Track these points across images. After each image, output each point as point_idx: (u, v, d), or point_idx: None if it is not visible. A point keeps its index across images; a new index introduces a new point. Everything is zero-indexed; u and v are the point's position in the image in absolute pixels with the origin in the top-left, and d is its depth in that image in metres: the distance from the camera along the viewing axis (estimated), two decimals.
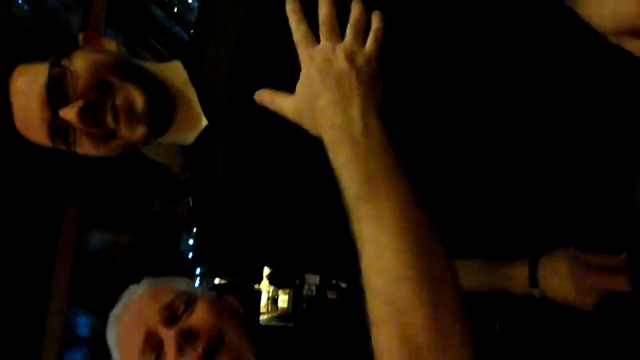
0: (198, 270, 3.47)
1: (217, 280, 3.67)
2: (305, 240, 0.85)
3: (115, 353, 0.84)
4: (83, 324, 2.86)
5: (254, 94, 0.72)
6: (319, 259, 0.89)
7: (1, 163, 2.18)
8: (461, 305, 0.57)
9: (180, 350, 0.75)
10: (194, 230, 3.58)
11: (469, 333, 0.57)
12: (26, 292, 2.41)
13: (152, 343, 0.78)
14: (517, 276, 0.94)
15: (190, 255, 3.52)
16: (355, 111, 0.59)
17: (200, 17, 0.91)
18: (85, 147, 0.78)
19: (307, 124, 0.66)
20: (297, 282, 4.30)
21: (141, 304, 0.84)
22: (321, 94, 0.61)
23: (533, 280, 0.93)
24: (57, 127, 0.76)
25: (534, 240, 0.96)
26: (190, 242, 3.47)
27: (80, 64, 0.77)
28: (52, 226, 2.54)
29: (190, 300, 0.81)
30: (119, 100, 0.76)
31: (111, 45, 0.86)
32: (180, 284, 0.91)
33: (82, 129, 0.75)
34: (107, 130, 0.77)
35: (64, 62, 0.76)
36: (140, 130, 0.79)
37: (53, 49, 0.80)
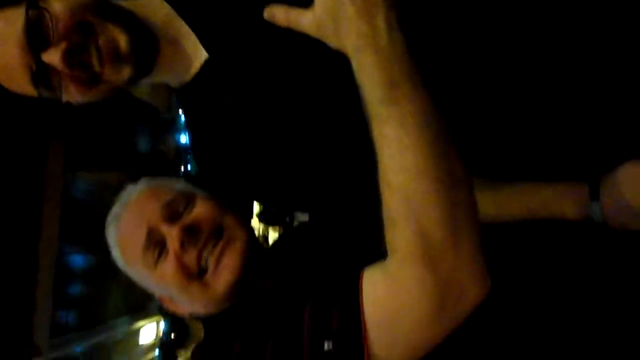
0: None
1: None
2: (297, 175, 0.84)
3: (115, 251, 0.85)
4: (76, 261, 2.92)
5: (261, 14, 0.68)
6: (309, 196, 0.89)
7: None
8: (475, 207, 0.60)
9: (182, 246, 0.76)
10: (182, 169, 3.59)
11: (479, 231, 0.59)
12: (17, 232, 2.44)
13: (154, 239, 0.78)
14: (573, 192, 0.83)
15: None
16: (380, 21, 0.61)
17: None
18: (72, 93, 0.75)
19: (329, 36, 0.65)
20: (287, 219, 4.35)
21: (142, 202, 0.83)
22: (345, 5, 0.61)
23: (595, 192, 0.81)
24: (40, 73, 0.72)
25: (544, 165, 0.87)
26: None
27: (58, 5, 0.72)
28: (38, 167, 2.54)
29: (190, 198, 0.82)
30: (102, 42, 0.72)
31: None
32: (179, 183, 0.90)
33: (68, 72, 0.72)
34: (93, 73, 0.74)
35: (41, 3, 0.72)
36: (126, 71, 0.76)
37: None
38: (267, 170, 0.83)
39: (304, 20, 0.65)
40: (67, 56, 0.70)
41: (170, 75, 0.84)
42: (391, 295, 0.61)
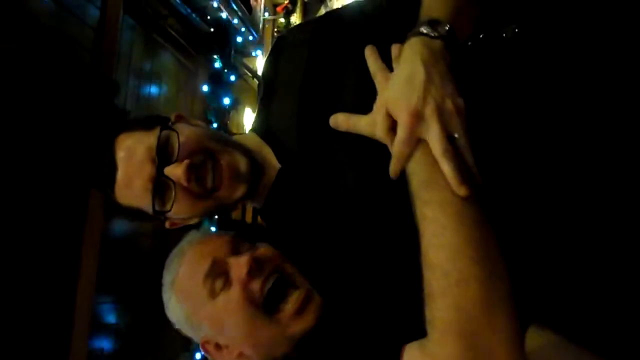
0: None
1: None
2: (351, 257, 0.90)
3: (170, 289, 0.89)
4: (110, 311, 2.92)
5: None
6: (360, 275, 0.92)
7: (28, 156, 2.24)
8: (510, 285, 0.61)
9: (249, 273, 0.79)
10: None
11: (516, 311, 0.60)
12: (55, 282, 2.47)
13: (218, 270, 0.82)
14: None
15: None
16: None
17: (264, 84, 1.03)
18: (182, 204, 0.85)
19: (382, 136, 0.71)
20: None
21: (209, 240, 0.89)
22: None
23: None
24: (159, 184, 0.84)
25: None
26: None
27: (186, 130, 0.87)
28: (78, 215, 2.60)
29: (253, 242, 0.88)
30: (224, 163, 0.86)
31: (199, 122, 0.98)
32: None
33: (186, 185, 0.83)
34: (206, 190, 0.86)
35: (173, 127, 0.86)
36: (240, 190, 0.88)
37: (153, 121, 0.89)
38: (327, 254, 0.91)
39: (361, 122, 0.71)
40: (188, 170, 0.82)
41: (259, 197, 0.96)
42: None
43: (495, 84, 0.83)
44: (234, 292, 0.80)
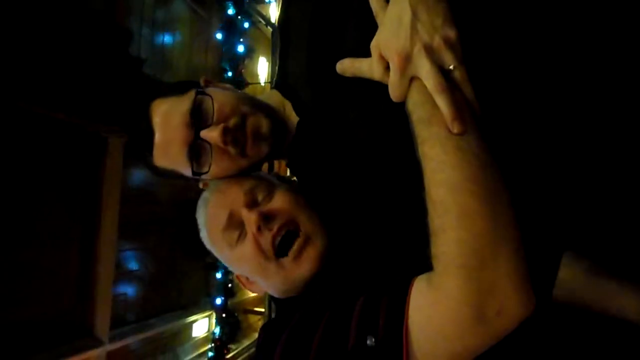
0: None
1: None
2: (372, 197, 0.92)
3: (203, 232, 0.94)
4: (133, 258, 3.01)
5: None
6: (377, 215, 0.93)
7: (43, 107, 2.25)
8: (514, 221, 0.60)
9: (259, 229, 0.83)
10: None
11: (521, 248, 0.59)
12: (77, 227, 2.53)
13: (234, 222, 0.87)
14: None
15: None
16: None
17: (280, 37, 1.05)
18: (220, 165, 0.89)
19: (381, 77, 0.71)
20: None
21: (227, 188, 0.92)
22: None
23: None
24: (195, 147, 0.87)
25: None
26: None
27: (220, 95, 0.89)
28: (97, 166, 2.63)
29: (270, 188, 0.90)
30: (249, 125, 0.88)
31: (227, 85, 1.00)
32: (262, 175, 0.99)
33: (223, 147, 0.86)
34: (242, 150, 0.89)
35: (207, 91, 0.89)
36: (264, 149, 0.91)
37: (186, 86, 0.91)
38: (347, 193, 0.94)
39: (364, 64, 0.71)
40: (224, 133, 0.84)
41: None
42: (434, 303, 0.62)
43: (498, 5, 0.79)
44: (248, 244, 0.85)
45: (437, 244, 0.61)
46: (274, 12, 4.58)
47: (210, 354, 3.52)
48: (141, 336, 2.95)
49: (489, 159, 0.62)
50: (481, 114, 0.65)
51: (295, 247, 0.83)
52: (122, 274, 2.85)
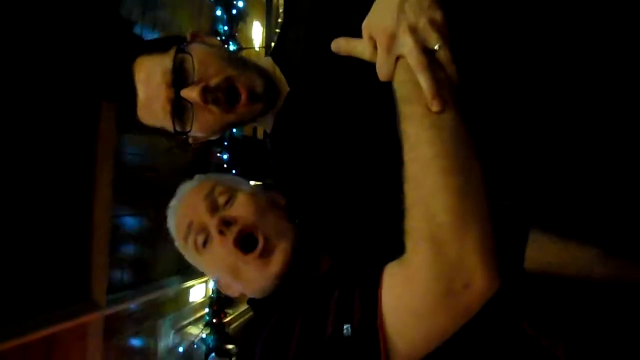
0: (232, 172, 3.57)
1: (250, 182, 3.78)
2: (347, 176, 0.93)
3: (176, 240, 0.98)
4: (129, 222, 3.01)
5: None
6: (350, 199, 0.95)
7: (35, 69, 2.20)
8: (485, 200, 0.61)
9: (221, 232, 0.86)
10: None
11: (490, 225, 0.61)
12: (72, 191, 2.52)
13: (197, 228, 0.89)
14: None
15: (225, 157, 3.61)
16: None
17: (284, 10, 1.07)
18: (201, 123, 0.90)
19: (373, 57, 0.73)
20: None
21: (190, 196, 0.95)
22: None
23: None
24: (177, 105, 0.88)
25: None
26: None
27: (201, 52, 0.89)
28: (90, 130, 2.60)
29: (231, 192, 0.91)
30: (242, 83, 0.88)
31: (215, 40, 1.00)
32: (224, 177, 1.01)
33: (202, 106, 0.87)
34: (223, 109, 0.89)
35: (187, 49, 0.89)
36: (258, 108, 0.91)
37: (169, 43, 0.90)
38: (325, 172, 0.94)
39: (359, 44, 0.72)
40: (203, 93, 0.85)
41: (269, 120, 1.00)
42: (403, 280, 0.64)
43: None
44: (215, 246, 0.88)
45: (408, 219, 0.63)
46: None
47: (207, 318, 3.56)
48: (138, 301, 2.97)
49: (464, 136, 0.63)
50: (463, 94, 0.66)
51: (259, 245, 0.85)
52: (118, 239, 2.85)
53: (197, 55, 0.88)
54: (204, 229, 0.89)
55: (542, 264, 0.86)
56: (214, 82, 0.87)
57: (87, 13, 2.36)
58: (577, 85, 0.81)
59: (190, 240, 0.90)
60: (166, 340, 3.26)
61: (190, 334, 3.53)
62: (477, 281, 0.59)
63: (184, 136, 0.94)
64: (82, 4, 2.32)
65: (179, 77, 0.87)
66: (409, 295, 0.62)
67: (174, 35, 0.96)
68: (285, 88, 0.97)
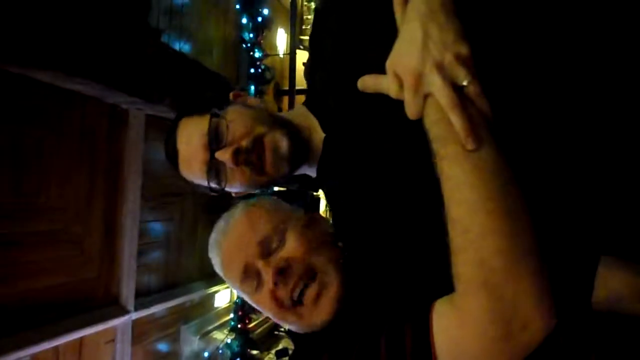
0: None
1: (275, 188, 3.78)
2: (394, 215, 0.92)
3: (219, 271, 0.96)
4: (156, 228, 3.05)
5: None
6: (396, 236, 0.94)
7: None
8: (533, 237, 0.60)
9: (275, 284, 0.84)
10: None
11: (542, 263, 0.59)
12: (100, 197, 2.55)
13: (251, 273, 0.88)
14: None
15: None
16: None
17: (310, 54, 1.08)
18: (235, 182, 0.95)
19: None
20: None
21: (239, 234, 0.92)
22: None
23: None
24: (212, 166, 0.93)
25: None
26: None
27: (233, 116, 0.93)
28: (119, 133, 2.64)
29: (282, 231, 0.90)
30: (266, 144, 0.92)
31: (254, 101, 1.03)
32: (273, 209, 0.98)
33: (234, 168, 0.91)
34: (258, 169, 0.93)
35: (222, 113, 0.93)
36: (284, 168, 0.95)
37: (209, 104, 0.96)
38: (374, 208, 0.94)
39: (385, 82, 0.70)
40: (234, 155, 0.90)
41: (313, 168, 1.02)
42: (457, 324, 0.62)
43: (510, 16, 0.78)
44: (265, 295, 0.86)
45: (458, 264, 0.61)
46: None
47: (232, 323, 3.58)
48: (165, 305, 3.00)
49: (507, 175, 0.62)
50: (498, 126, 0.64)
51: (312, 293, 0.83)
52: (145, 245, 2.89)
53: (230, 117, 0.93)
54: (257, 273, 0.87)
55: (613, 292, 0.82)
56: (244, 143, 0.91)
57: (116, 19, 2.40)
58: (616, 111, 0.79)
59: (247, 284, 0.89)
60: (191, 345, 3.28)
61: (215, 339, 3.54)
62: (534, 322, 0.58)
63: (222, 192, 0.99)
64: (111, 10, 2.37)
65: (214, 140, 0.92)
66: (465, 338, 0.61)
67: (212, 97, 1.02)
68: (319, 135, 0.98)
